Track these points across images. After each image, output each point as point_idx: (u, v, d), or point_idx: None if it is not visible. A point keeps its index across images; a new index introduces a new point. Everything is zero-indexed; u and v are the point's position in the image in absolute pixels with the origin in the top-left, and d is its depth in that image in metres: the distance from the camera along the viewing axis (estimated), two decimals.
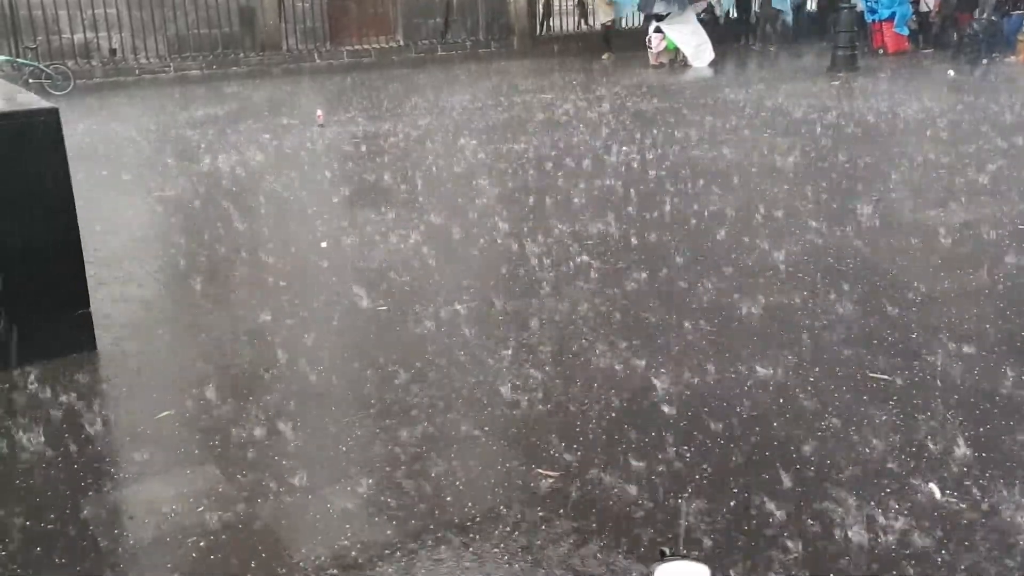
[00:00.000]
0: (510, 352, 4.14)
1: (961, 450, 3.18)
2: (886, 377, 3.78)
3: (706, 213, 6.38)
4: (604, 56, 17.83)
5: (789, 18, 18.47)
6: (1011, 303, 4.56)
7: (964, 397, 3.58)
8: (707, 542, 2.63)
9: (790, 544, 2.65)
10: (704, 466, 3.13)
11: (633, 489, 2.99)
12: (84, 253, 4.34)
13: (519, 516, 2.89)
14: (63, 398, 3.83)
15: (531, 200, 6.90)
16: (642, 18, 18.60)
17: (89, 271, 4.41)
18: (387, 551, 2.75)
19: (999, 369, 3.80)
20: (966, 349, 4.02)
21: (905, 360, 3.92)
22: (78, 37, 16.11)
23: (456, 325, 4.49)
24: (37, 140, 4.05)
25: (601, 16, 18.80)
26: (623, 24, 19.64)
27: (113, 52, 16.35)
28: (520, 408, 3.62)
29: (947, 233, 5.75)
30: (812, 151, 8.40)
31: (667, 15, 16.76)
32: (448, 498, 3.01)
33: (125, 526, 2.95)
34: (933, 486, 2.98)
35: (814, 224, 6.01)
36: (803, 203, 6.60)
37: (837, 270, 5.13)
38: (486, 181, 7.62)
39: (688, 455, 3.21)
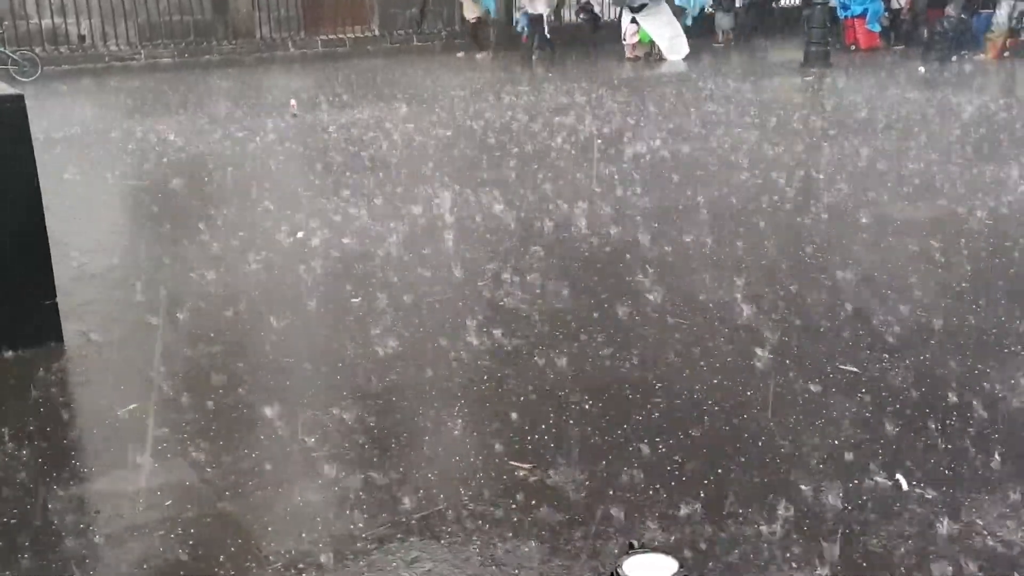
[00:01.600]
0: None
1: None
2: (854, 370, 3.83)
3: (680, 207, 6.42)
4: (460, 54, 17.12)
5: (689, 20, 18.38)
6: (975, 298, 4.64)
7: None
8: None
9: None
10: None
11: None
12: (50, 242, 4.27)
13: None
14: (27, 390, 3.77)
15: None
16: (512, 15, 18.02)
17: (55, 260, 4.34)
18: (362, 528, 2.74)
19: None
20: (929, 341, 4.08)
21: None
22: (46, 22, 15.86)
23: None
24: (2, 127, 3.97)
25: (467, 12, 18.04)
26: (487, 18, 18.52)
27: (82, 38, 16.12)
28: None
29: (904, 226, 5.83)
30: (785, 145, 8.46)
31: (641, 7, 16.65)
32: None
33: (91, 520, 2.91)
34: (900, 477, 3.01)
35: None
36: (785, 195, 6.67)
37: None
38: (464, 172, 7.60)
39: None
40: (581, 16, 18.73)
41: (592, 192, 6.84)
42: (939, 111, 10.25)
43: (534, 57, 16.49)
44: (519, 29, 17.62)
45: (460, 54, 17.33)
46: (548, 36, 16.89)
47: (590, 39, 17.84)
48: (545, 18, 17.01)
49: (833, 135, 8.94)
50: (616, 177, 7.28)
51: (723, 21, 18.88)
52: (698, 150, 8.33)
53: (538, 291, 4.79)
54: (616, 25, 17.38)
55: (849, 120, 9.80)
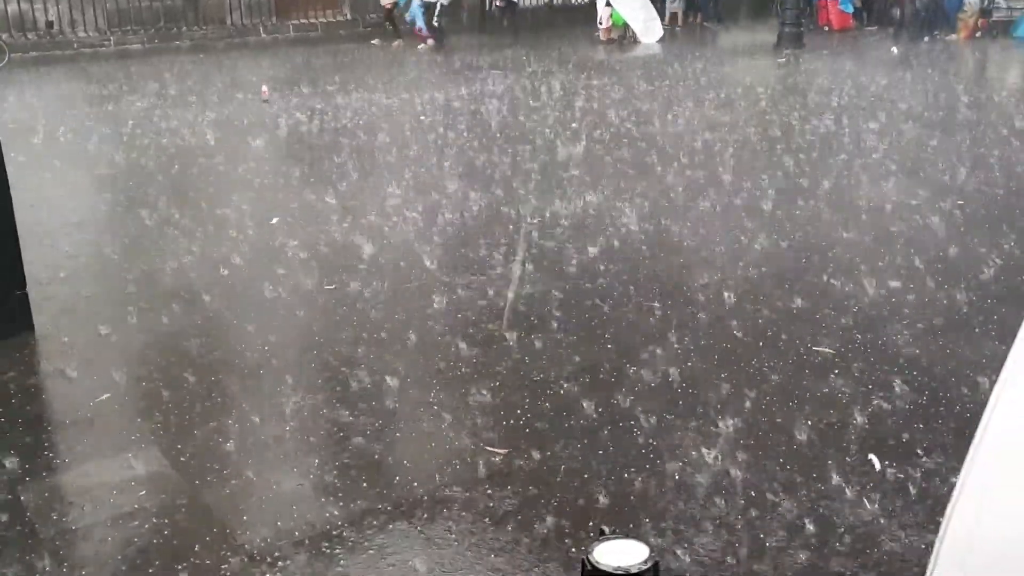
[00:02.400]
0: None
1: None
2: (828, 351, 3.86)
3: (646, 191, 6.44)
4: (375, 41, 16.76)
5: None
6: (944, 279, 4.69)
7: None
8: None
9: None
10: None
11: None
12: (19, 233, 4.21)
13: None
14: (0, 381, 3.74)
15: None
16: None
17: (25, 251, 4.28)
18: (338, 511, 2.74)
19: None
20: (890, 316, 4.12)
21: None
22: (12, 8, 15.60)
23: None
24: None
25: None
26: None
27: (50, 25, 15.87)
28: None
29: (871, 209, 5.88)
30: (773, 123, 8.50)
31: None
32: None
33: (65, 511, 2.89)
34: (873, 457, 3.05)
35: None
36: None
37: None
38: (434, 157, 7.59)
39: None
40: (496, 3, 18.44)
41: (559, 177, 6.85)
42: (914, 92, 10.33)
43: (427, 44, 16.07)
44: (409, 20, 17.00)
45: (375, 41, 16.93)
46: (437, 24, 16.25)
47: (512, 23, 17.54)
48: (439, 6, 16.32)
49: (812, 114, 9.00)
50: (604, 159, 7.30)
51: (672, 5, 18.96)
52: (676, 131, 8.36)
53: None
54: (539, 10, 16.87)
55: (828, 100, 9.86)
